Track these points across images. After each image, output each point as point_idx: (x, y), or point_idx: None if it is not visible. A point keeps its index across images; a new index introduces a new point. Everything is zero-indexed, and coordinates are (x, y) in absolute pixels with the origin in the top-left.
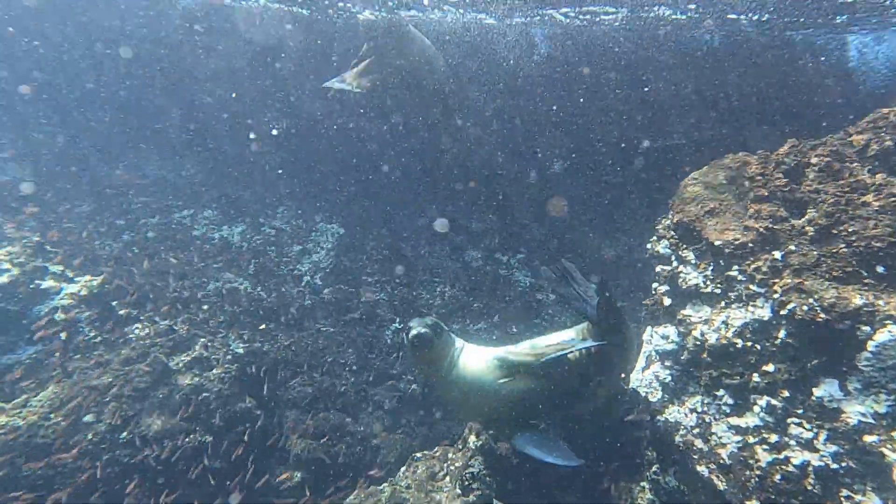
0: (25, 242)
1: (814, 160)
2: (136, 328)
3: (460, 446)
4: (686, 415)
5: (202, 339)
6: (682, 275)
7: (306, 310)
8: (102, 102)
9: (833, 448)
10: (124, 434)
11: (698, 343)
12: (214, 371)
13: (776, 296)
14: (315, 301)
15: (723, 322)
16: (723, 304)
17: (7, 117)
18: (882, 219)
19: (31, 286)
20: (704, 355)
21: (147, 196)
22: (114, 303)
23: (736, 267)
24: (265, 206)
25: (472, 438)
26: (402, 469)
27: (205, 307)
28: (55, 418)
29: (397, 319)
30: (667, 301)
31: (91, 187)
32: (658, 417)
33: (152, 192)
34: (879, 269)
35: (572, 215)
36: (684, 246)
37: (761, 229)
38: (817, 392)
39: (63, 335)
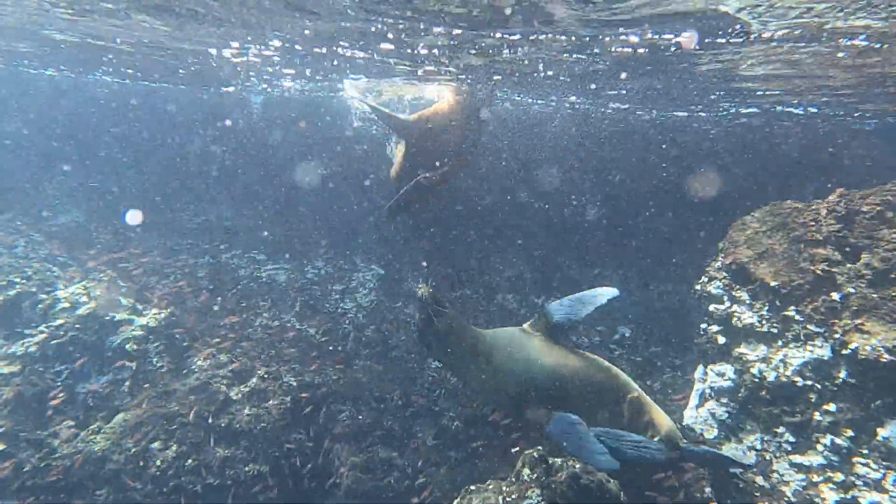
0: (101, 277)
1: (865, 208)
2: (198, 360)
3: (514, 479)
4: (745, 452)
5: (259, 372)
6: (736, 314)
7: (351, 346)
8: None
9: None
10: (189, 461)
11: (756, 380)
12: (271, 402)
13: (837, 336)
14: (359, 338)
15: (781, 360)
16: (780, 343)
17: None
18: None
19: (106, 318)
20: (763, 393)
21: (195, 238)
22: (176, 335)
23: (793, 307)
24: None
25: (526, 471)
26: (456, 502)
27: (259, 341)
28: (127, 443)
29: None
30: (721, 339)
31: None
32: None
33: (198, 234)
34: None
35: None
36: (738, 286)
37: (817, 271)
38: (883, 432)
39: (134, 365)
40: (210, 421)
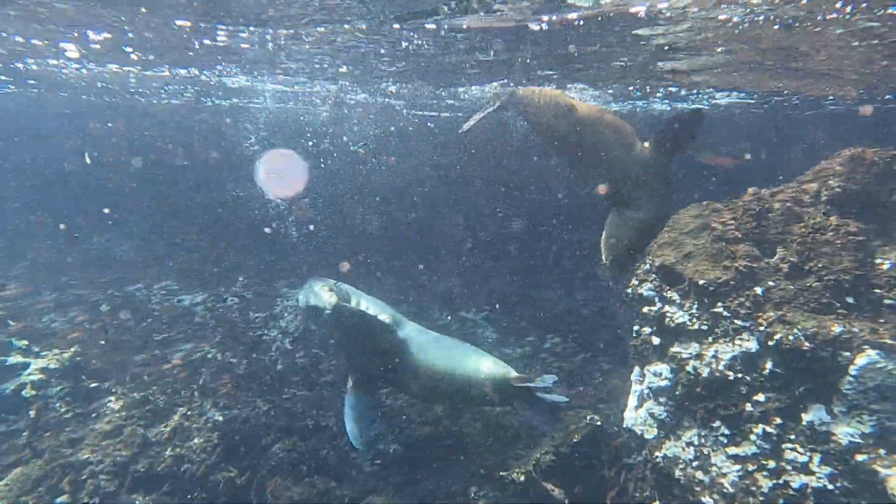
0: None
1: (776, 205)
2: (109, 402)
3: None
4: (683, 448)
5: (181, 409)
6: (668, 314)
7: (280, 375)
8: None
9: (828, 469)
10: None
11: (691, 377)
12: (195, 440)
13: (762, 328)
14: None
15: (713, 356)
16: (711, 339)
17: None
18: (845, 255)
19: None
20: (699, 389)
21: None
22: (83, 376)
23: (720, 304)
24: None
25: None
26: None
27: (177, 376)
28: (26, 502)
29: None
30: (655, 340)
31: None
32: (656, 454)
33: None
34: (849, 299)
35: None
36: (668, 287)
37: (740, 268)
38: (807, 417)
39: (32, 412)
40: (127, 466)
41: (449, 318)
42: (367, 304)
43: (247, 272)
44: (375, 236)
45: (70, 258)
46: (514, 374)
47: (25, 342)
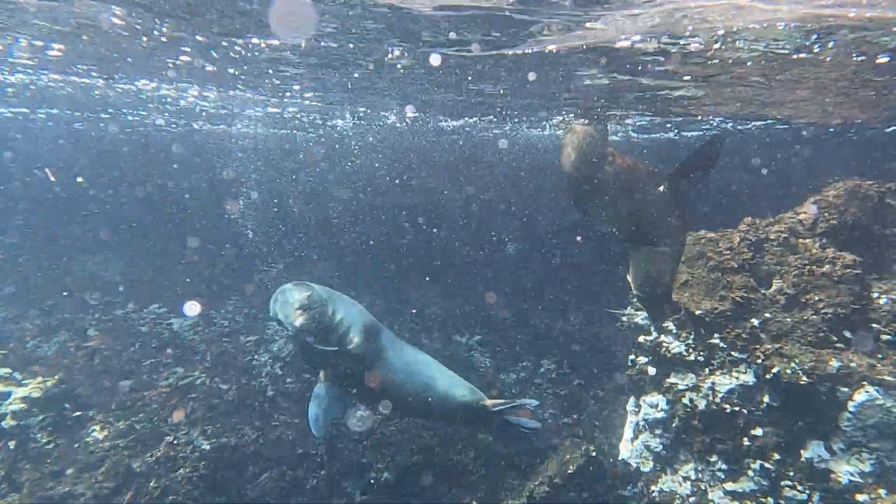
0: None
1: (772, 235)
2: (93, 431)
3: None
4: (680, 483)
5: (167, 438)
6: (664, 344)
7: (270, 401)
8: None
9: None
10: None
11: (688, 410)
12: (182, 471)
13: (759, 361)
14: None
15: (710, 388)
16: (707, 370)
17: None
18: (842, 288)
19: None
20: (695, 422)
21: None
22: (66, 405)
23: (717, 335)
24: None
25: None
26: None
27: (164, 403)
28: None
29: (361, 407)
30: (651, 370)
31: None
32: (652, 487)
33: (90, 289)
34: (847, 333)
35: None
36: None
37: (736, 298)
38: (806, 454)
39: (13, 444)
40: (110, 499)
41: (441, 342)
42: (341, 313)
43: (239, 294)
44: (367, 257)
45: (58, 280)
46: (486, 400)
47: (8, 370)
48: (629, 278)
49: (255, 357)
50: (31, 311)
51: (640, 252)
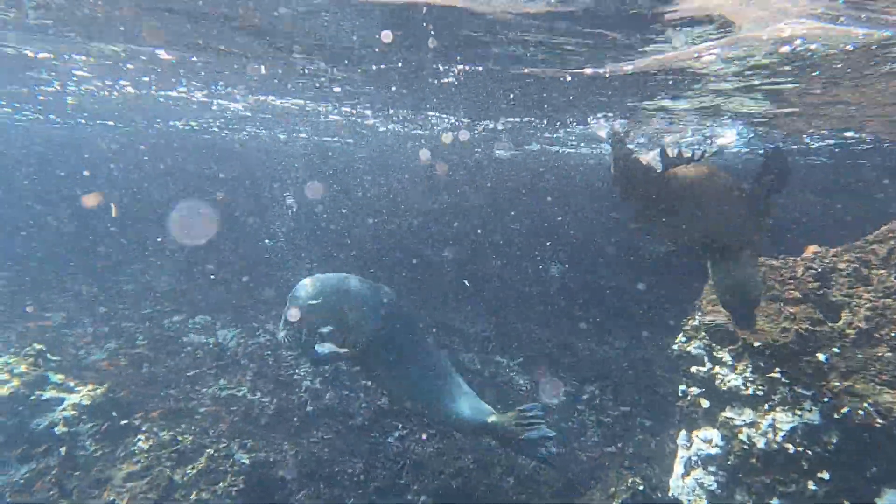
0: (26, 351)
1: (841, 266)
2: (138, 441)
3: None
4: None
5: (208, 451)
6: (719, 376)
7: (308, 416)
8: None
9: None
10: None
11: (745, 447)
12: (221, 485)
13: (826, 399)
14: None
15: (770, 425)
16: (767, 406)
17: None
18: None
19: (32, 398)
20: (754, 460)
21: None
22: (114, 413)
23: (778, 369)
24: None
25: None
26: None
27: (207, 415)
28: None
29: (399, 426)
30: (704, 403)
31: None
32: None
33: (137, 299)
34: None
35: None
36: (719, 347)
37: (800, 330)
38: (880, 502)
39: (63, 450)
40: None
41: (481, 363)
42: (351, 316)
43: (281, 306)
44: (408, 276)
45: (107, 289)
46: (492, 418)
47: (61, 376)
48: (713, 291)
49: (295, 371)
50: (84, 319)
51: (723, 263)
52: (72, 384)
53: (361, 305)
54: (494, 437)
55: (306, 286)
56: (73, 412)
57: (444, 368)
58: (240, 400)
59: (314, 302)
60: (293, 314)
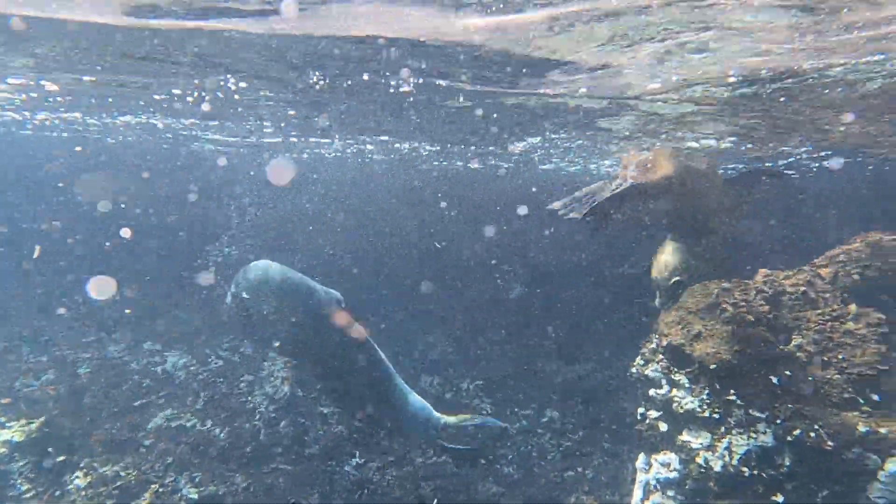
0: None
1: (790, 289)
2: (76, 478)
3: None
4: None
5: (153, 486)
6: (676, 399)
7: (262, 446)
8: None
9: None
10: None
11: (703, 471)
12: None
13: (779, 421)
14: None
15: (726, 448)
16: (723, 429)
17: None
18: (867, 347)
19: None
20: (711, 484)
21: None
22: (50, 449)
23: (733, 391)
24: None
25: None
26: None
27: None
28: None
29: (356, 453)
30: (663, 426)
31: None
32: None
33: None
34: (874, 396)
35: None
36: (676, 370)
37: (753, 353)
38: None
39: None
40: None
41: (441, 387)
42: (289, 303)
43: (235, 332)
44: (365, 299)
45: (51, 315)
46: (444, 417)
47: None
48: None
49: (249, 399)
50: (20, 347)
51: (676, 242)
52: (3, 419)
53: (300, 295)
54: (445, 433)
55: (256, 267)
56: (2, 449)
57: (392, 374)
58: (189, 430)
59: (258, 282)
60: (239, 289)
